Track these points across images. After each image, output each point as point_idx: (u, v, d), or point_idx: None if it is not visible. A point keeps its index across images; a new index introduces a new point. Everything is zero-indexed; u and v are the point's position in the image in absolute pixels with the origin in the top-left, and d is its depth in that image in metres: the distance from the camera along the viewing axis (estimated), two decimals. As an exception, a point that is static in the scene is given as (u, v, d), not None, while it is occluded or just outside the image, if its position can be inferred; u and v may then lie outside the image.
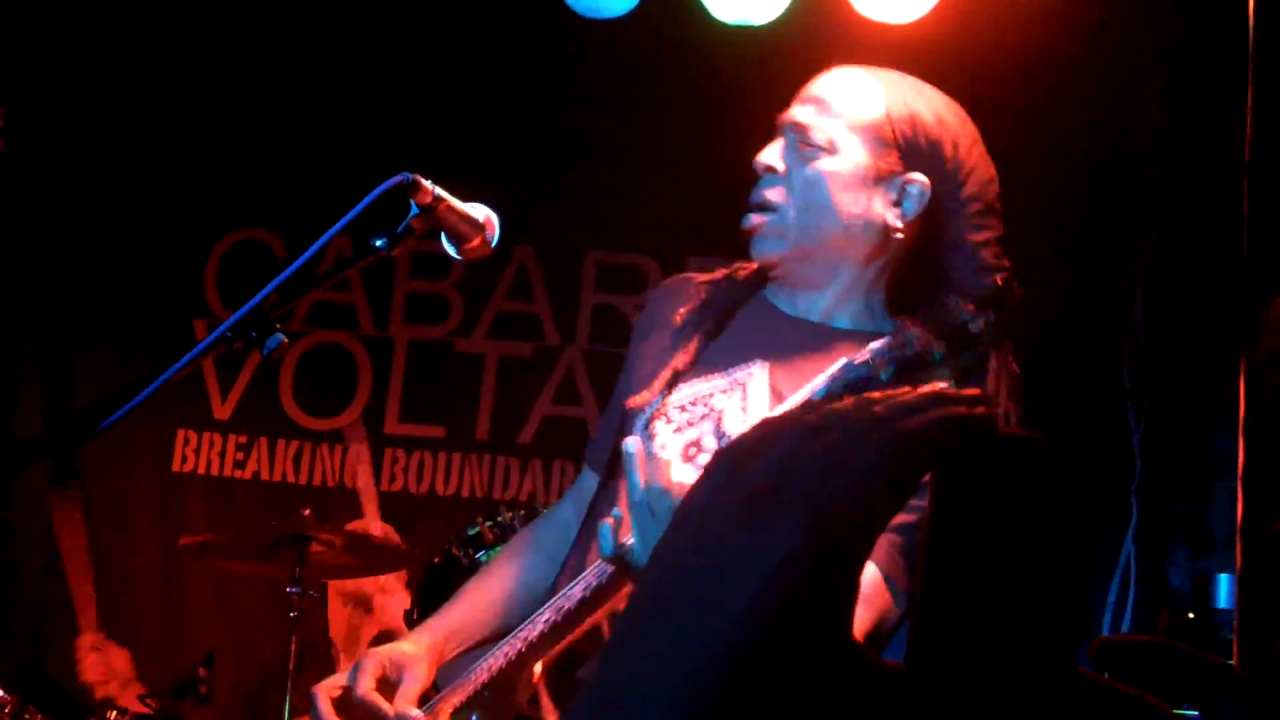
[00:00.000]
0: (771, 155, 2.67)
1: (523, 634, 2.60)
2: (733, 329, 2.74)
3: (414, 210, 2.46)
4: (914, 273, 2.70)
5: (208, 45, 6.07)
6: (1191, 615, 4.60)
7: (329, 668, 5.25)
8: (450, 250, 2.57)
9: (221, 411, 6.21)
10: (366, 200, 2.36)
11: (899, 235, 2.66)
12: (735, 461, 0.81)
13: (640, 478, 2.29)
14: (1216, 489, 5.31)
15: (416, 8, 6.01)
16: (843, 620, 0.77)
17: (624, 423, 2.75)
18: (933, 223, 2.68)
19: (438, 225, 2.50)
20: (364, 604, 5.31)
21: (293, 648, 4.85)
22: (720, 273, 2.87)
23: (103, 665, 5.15)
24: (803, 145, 2.65)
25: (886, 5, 5.09)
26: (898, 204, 2.65)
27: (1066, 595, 0.81)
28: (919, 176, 2.66)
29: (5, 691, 4.78)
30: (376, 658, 2.71)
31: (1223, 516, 5.27)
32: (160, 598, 6.04)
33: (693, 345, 2.72)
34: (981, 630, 0.80)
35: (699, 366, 2.70)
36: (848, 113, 2.67)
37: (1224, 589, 4.67)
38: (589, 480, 2.94)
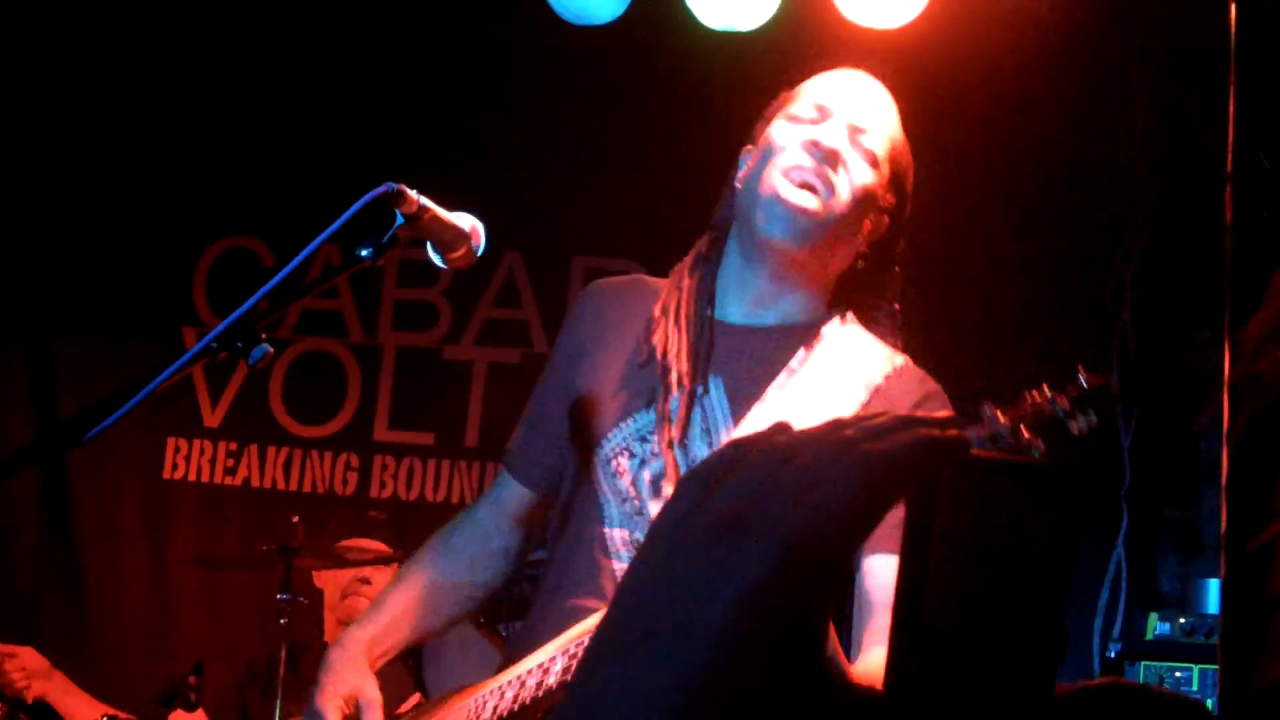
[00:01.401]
0: (840, 142, 2.63)
1: (535, 679, 2.57)
2: (679, 350, 2.70)
3: (399, 219, 2.46)
4: (856, 280, 2.75)
5: (197, 53, 6.06)
6: (1183, 620, 4.60)
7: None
8: (435, 259, 2.56)
9: (211, 419, 6.19)
10: (351, 210, 2.35)
11: (860, 263, 2.72)
12: (703, 485, 0.81)
13: None
14: (1206, 494, 5.32)
15: (402, 15, 6.00)
16: (816, 645, 0.77)
17: (578, 448, 2.72)
18: (880, 243, 2.74)
19: (423, 234, 2.50)
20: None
21: (282, 655, 4.84)
22: (652, 284, 2.84)
23: (17, 671, 5.12)
24: (862, 148, 2.65)
25: (874, 10, 5.07)
26: (869, 229, 2.71)
27: (1043, 618, 0.80)
28: (889, 203, 2.72)
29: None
30: (334, 700, 2.69)
31: (1212, 521, 5.28)
32: (149, 605, 6.03)
33: (656, 372, 2.68)
34: (958, 654, 0.80)
35: (653, 391, 2.67)
36: (890, 130, 2.71)
37: (1214, 594, 4.68)
38: (511, 489, 2.91)
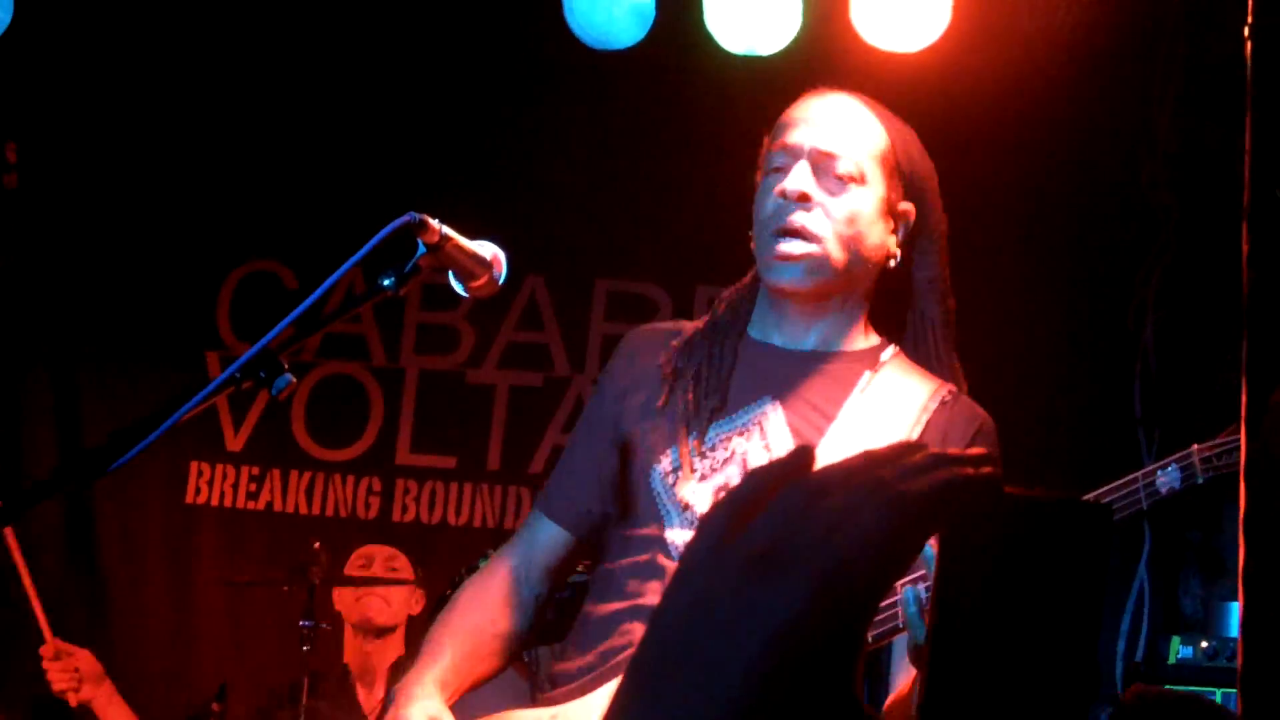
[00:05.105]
0: (805, 182, 2.68)
1: None
2: (726, 371, 2.76)
3: (421, 249, 2.48)
4: (888, 292, 2.81)
5: (220, 80, 6.08)
6: (1205, 644, 4.58)
7: (348, 697, 5.24)
8: (458, 288, 2.58)
9: (234, 443, 6.20)
10: (374, 241, 2.37)
11: (894, 263, 2.75)
12: (734, 518, 0.81)
13: None
14: (1229, 516, 5.29)
15: (426, 40, 6.02)
16: (845, 683, 0.77)
17: (629, 482, 2.74)
18: (910, 248, 2.79)
19: (445, 263, 2.52)
20: (373, 631, 5.31)
21: (305, 680, 4.85)
22: (690, 326, 2.88)
23: (69, 671, 5.09)
24: (835, 175, 2.68)
25: (894, 34, 5.08)
26: (894, 232, 2.75)
27: (1075, 655, 0.81)
28: (908, 206, 2.76)
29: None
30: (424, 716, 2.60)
31: (1235, 544, 5.26)
32: (173, 630, 6.04)
33: (690, 394, 2.73)
34: (990, 690, 0.80)
35: (705, 413, 2.71)
36: (866, 142, 2.73)
37: (1236, 616, 4.66)
38: (547, 530, 2.86)
